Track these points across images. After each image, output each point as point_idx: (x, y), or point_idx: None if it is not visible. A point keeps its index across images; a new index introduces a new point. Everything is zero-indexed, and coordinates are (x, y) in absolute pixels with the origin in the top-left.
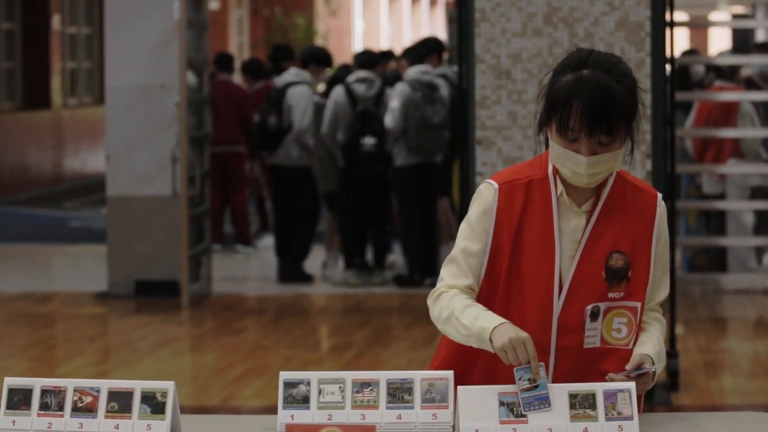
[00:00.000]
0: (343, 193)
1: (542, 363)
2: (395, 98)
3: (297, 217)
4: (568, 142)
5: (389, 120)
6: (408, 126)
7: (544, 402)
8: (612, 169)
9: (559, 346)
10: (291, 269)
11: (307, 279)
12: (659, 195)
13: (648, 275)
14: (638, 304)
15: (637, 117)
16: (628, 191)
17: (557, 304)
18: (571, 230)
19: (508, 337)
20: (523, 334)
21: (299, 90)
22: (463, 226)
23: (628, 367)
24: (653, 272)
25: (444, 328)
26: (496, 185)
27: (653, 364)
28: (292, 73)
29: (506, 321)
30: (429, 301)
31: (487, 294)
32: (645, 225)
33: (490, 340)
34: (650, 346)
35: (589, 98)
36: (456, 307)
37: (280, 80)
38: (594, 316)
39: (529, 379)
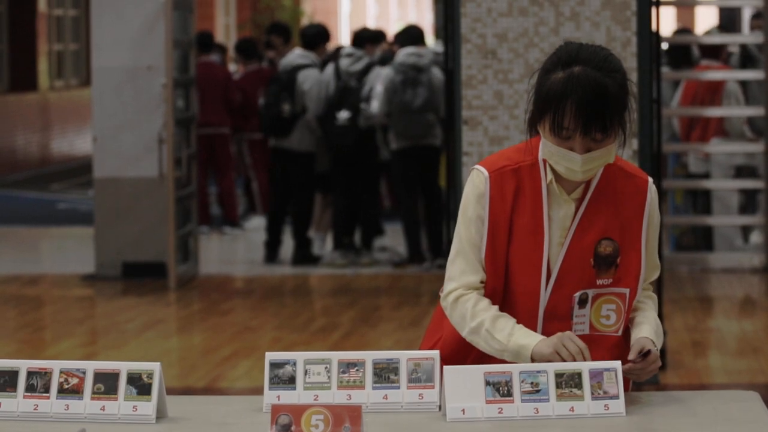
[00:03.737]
0: (333, 170)
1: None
2: (379, 83)
3: (302, 200)
4: (562, 140)
5: (374, 105)
6: (391, 110)
7: None
8: (606, 162)
9: (546, 332)
10: (303, 253)
11: (316, 260)
12: (650, 180)
13: (639, 262)
14: (626, 291)
15: (629, 110)
16: (619, 178)
17: (545, 292)
18: (560, 218)
19: (552, 345)
20: (561, 335)
21: (311, 74)
22: (460, 219)
23: (631, 356)
24: (645, 257)
25: (471, 338)
26: (486, 173)
27: (654, 345)
28: (297, 55)
29: (535, 336)
30: (444, 303)
31: (494, 283)
32: (635, 212)
33: (532, 359)
34: (647, 327)
35: (583, 97)
36: (485, 319)
37: (285, 62)
38: (582, 303)
39: None
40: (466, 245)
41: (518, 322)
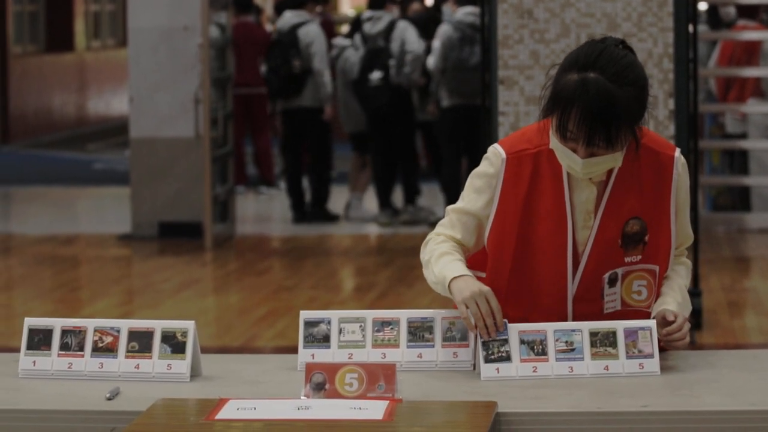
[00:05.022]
0: (371, 131)
1: (505, 320)
2: (437, 39)
3: (323, 156)
4: (566, 140)
5: (430, 60)
6: (446, 67)
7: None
8: (611, 167)
9: (577, 313)
10: (315, 210)
11: (333, 219)
12: (677, 153)
13: (669, 238)
14: (656, 268)
15: (643, 119)
16: (643, 156)
17: (572, 274)
18: (582, 201)
19: (470, 291)
20: (485, 288)
21: (313, 29)
22: (469, 181)
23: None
24: (674, 233)
25: (425, 272)
26: (504, 155)
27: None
28: (291, 15)
29: (468, 273)
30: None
31: (496, 262)
32: (662, 189)
33: (450, 290)
34: (670, 297)
35: (588, 107)
36: (435, 253)
37: (281, 25)
38: (612, 282)
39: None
40: (458, 211)
41: (546, 306)
